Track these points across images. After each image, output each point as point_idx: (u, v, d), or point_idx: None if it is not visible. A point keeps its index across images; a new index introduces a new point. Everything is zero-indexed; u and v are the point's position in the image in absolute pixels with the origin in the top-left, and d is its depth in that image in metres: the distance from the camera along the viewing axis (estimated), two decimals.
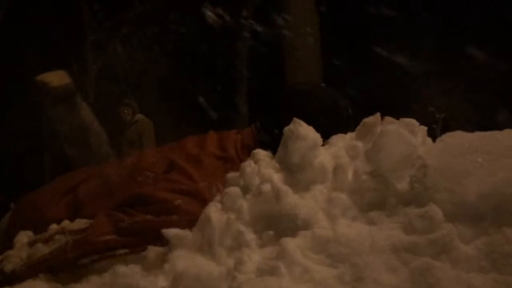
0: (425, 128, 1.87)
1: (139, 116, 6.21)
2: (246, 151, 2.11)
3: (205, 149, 2.13)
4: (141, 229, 1.83)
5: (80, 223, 1.94)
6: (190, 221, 1.80)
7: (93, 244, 1.80)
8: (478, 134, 1.56)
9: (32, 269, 1.80)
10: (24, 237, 1.97)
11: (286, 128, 1.80)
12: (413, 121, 1.80)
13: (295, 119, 1.80)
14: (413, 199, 1.46)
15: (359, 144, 1.78)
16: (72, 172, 2.53)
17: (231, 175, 1.95)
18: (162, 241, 1.75)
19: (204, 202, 1.85)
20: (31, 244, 1.90)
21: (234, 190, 1.78)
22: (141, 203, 1.93)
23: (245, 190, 1.74)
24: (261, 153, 2.00)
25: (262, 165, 1.89)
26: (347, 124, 2.15)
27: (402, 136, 1.55)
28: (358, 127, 1.80)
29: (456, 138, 1.54)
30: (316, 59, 6.84)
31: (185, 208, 1.84)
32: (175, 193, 1.90)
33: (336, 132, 2.00)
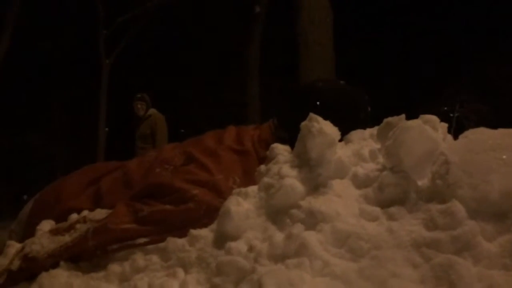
0: (445, 125, 1.85)
1: (152, 110, 6.20)
2: (263, 145, 2.12)
3: (222, 143, 2.15)
4: (160, 218, 1.85)
5: (101, 212, 1.97)
6: (207, 210, 1.82)
7: (113, 232, 1.82)
8: (501, 131, 1.54)
9: (54, 257, 1.83)
10: (46, 225, 2.00)
11: (303, 124, 1.79)
12: (434, 118, 1.78)
13: (311, 114, 1.79)
14: (435, 195, 1.45)
15: (380, 140, 1.77)
16: (94, 165, 2.56)
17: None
18: (181, 231, 1.77)
19: (220, 193, 1.87)
20: (53, 232, 1.93)
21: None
22: (159, 193, 1.95)
23: (266, 184, 1.75)
24: (279, 147, 2.01)
25: (280, 160, 1.90)
26: (366, 121, 2.14)
27: (425, 131, 1.53)
28: (380, 126, 1.78)
29: (479, 135, 1.52)
30: (330, 56, 6.79)
31: (202, 198, 1.85)
32: (193, 184, 1.92)
33: (355, 128, 2.00)
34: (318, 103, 2.08)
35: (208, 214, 1.81)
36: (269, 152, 2.03)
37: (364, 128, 2.02)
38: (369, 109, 2.25)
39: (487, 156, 1.43)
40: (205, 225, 1.77)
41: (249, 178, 1.98)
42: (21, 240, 2.07)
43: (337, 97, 2.17)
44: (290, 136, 2.09)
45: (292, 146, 2.00)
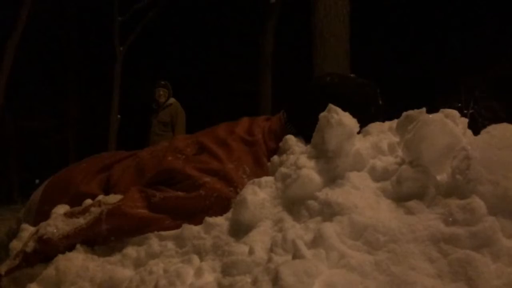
0: (466, 120, 1.83)
1: (172, 99, 6.24)
2: (273, 136, 2.12)
3: (234, 134, 2.16)
4: (172, 205, 1.87)
5: (115, 197, 1.98)
6: (217, 198, 1.84)
7: (126, 215, 1.83)
8: None
9: (68, 239, 1.85)
10: (61, 208, 2.01)
11: (321, 115, 1.77)
12: (454, 112, 1.76)
13: (330, 105, 1.78)
14: (454, 191, 1.43)
15: (399, 134, 1.75)
16: (104, 153, 2.58)
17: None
18: (196, 219, 1.77)
19: (231, 182, 1.88)
20: (68, 215, 1.94)
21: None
22: (171, 179, 1.97)
23: (283, 175, 1.74)
24: (292, 139, 2.01)
25: (297, 151, 1.90)
26: (377, 114, 2.11)
27: (446, 126, 1.51)
28: (400, 119, 1.76)
29: (501, 131, 1.50)
30: (345, 49, 6.72)
31: (213, 186, 1.87)
32: (204, 172, 1.94)
33: (366, 122, 1.97)
34: (326, 98, 2.04)
35: (218, 202, 1.83)
36: (282, 143, 2.03)
37: (375, 122, 2.00)
38: (380, 102, 2.22)
39: (509, 153, 1.41)
40: (215, 213, 1.78)
41: (258, 168, 1.99)
42: (32, 226, 2.09)
43: (347, 91, 2.13)
44: (298, 130, 2.08)
45: (304, 138, 2.00)
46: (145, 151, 2.36)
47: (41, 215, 2.09)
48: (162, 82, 6.28)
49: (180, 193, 1.90)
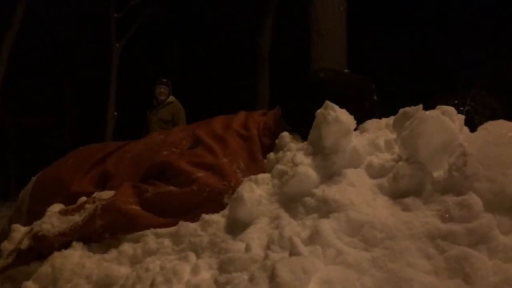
0: (462, 117, 1.82)
1: (172, 97, 6.23)
2: (267, 133, 2.12)
3: (230, 128, 2.15)
4: (164, 200, 1.86)
5: (109, 193, 1.98)
6: (210, 193, 1.84)
7: (120, 210, 1.82)
8: None
9: (64, 236, 1.84)
10: (55, 207, 2.00)
11: (318, 112, 1.77)
12: (451, 109, 1.75)
13: (327, 102, 1.77)
14: (451, 187, 1.43)
15: (396, 130, 1.74)
16: (90, 146, 2.54)
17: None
18: (187, 214, 1.77)
19: (225, 177, 1.88)
20: (62, 212, 1.93)
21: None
22: (165, 173, 1.96)
23: (280, 171, 1.74)
24: (288, 136, 2.00)
25: (293, 147, 1.89)
26: (372, 110, 2.11)
27: (443, 123, 1.51)
28: (397, 116, 1.75)
29: (498, 127, 1.50)
30: (342, 45, 6.71)
31: (205, 181, 1.87)
32: (198, 166, 1.93)
33: (360, 118, 1.96)
34: (320, 94, 2.02)
35: (211, 197, 1.83)
36: (278, 140, 2.02)
37: (370, 118, 1.99)
38: (375, 98, 2.20)
39: (506, 149, 1.41)
40: (208, 208, 1.78)
41: (253, 164, 1.98)
42: (24, 226, 2.05)
43: (340, 87, 2.12)
44: (292, 127, 2.08)
45: (300, 134, 2.00)
46: (140, 143, 2.34)
47: (33, 215, 2.07)
48: (164, 80, 6.28)
49: (173, 188, 1.89)
